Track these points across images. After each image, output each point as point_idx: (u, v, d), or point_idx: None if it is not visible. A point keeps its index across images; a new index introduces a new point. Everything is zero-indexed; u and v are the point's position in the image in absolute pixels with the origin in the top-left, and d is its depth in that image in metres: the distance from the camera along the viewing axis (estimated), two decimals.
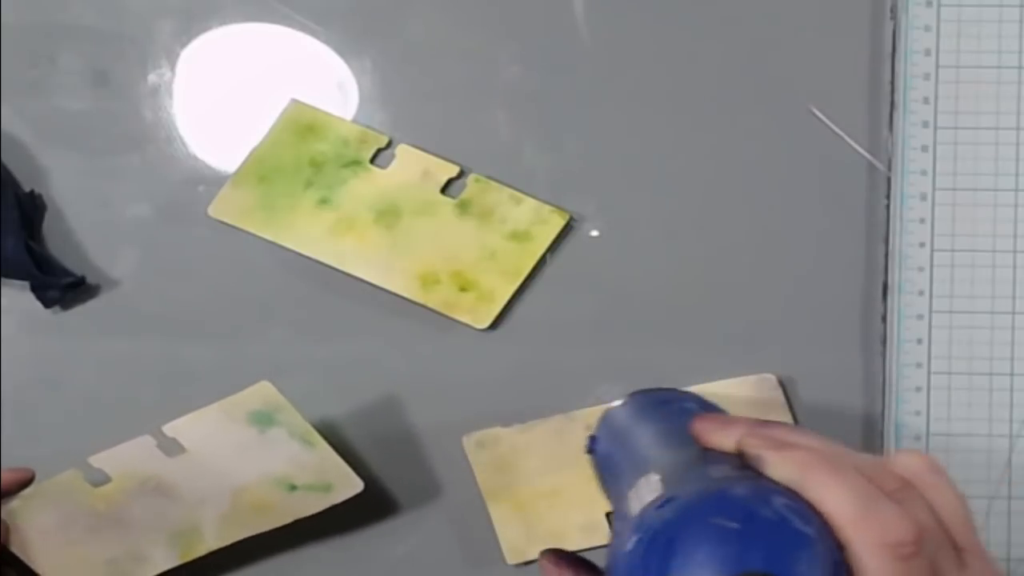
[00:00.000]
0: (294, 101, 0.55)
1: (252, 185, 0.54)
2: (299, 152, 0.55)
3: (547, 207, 0.54)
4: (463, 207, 0.54)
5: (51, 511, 0.52)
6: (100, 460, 0.52)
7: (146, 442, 0.52)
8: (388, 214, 0.54)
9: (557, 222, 0.54)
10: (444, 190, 0.54)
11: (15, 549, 0.52)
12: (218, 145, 0.56)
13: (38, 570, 0.52)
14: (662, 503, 0.35)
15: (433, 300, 0.54)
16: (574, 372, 0.54)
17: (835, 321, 0.54)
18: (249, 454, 0.52)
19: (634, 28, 0.55)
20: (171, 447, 0.52)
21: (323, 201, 0.54)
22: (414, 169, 0.54)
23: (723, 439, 0.39)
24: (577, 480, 0.53)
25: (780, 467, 0.37)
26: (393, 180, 0.54)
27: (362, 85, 0.55)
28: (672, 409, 0.48)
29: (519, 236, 0.54)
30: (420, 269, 0.54)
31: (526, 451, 0.53)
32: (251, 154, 0.55)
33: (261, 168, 0.54)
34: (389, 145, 0.55)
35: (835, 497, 0.36)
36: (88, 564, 0.52)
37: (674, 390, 0.51)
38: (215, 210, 0.54)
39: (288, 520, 0.52)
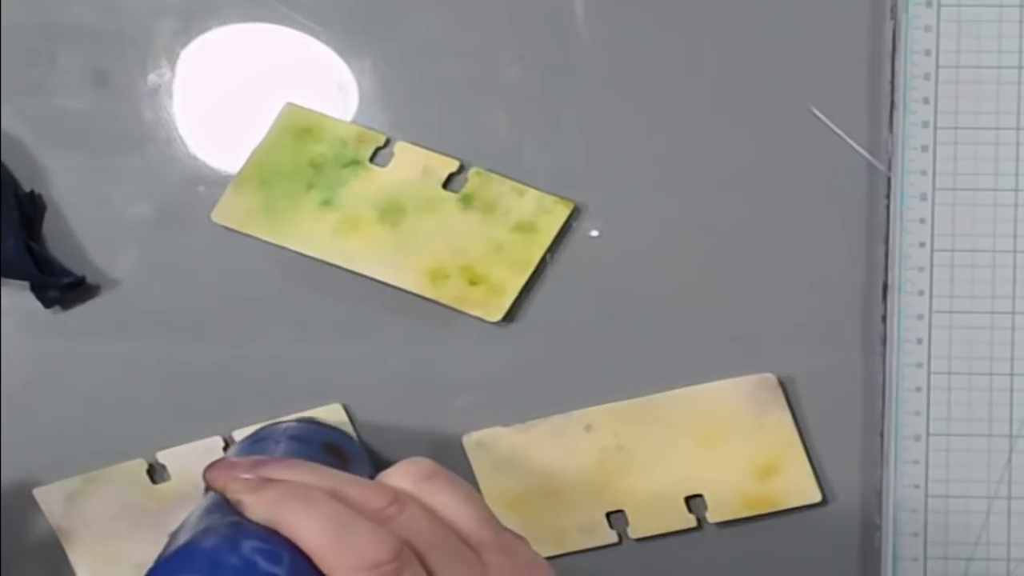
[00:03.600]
0: (289, 104, 0.55)
1: (253, 189, 0.54)
2: (298, 154, 0.55)
3: (550, 197, 0.54)
4: (466, 201, 0.54)
5: (108, 500, 0.53)
6: (166, 456, 0.53)
7: (213, 444, 0.53)
8: (391, 212, 0.54)
9: (562, 212, 0.54)
10: (445, 185, 0.54)
11: (59, 532, 0.53)
12: (218, 145, 0.55)
13: (70, 555, 0.53)
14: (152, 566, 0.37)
15: (444, 295, 0.54)
16: (574, 372, 0.54)
17: (835, 321, 0.54)
18: None
19: (634, 28, 0.55)
20: None
21: (325, 202, 0.54)
22: (414, 166, 0.54)
23: (219, 485, 0.39)
24: (577, 480, 0.53)
25: (255, 509, 0.38)
26: (394, 178, 0.54)
27: (362, 85, 0.55)
28: (260, 447, 0.50)
29: (524, 227, 0.54)
30: (428, 265, 0.54)
31: (526, 451, 0.53)
32: (250, 158, 0.55)
33: (261, 172, 0.54)
34: (387, 144, 0.55)
35: (308, 530, 0.36)
36: (119, 562, 0.53)
37: (277, 423, 0.53)
38: (218, 216, 0.54)
39: None
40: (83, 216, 0.55)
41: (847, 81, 0.54)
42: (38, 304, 0.54)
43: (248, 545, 0.36)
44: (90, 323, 0.55)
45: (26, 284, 0.54)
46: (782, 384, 0.53)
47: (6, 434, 0.55)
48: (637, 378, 0.53)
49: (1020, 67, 0.53)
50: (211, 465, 0.40)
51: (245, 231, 0.54)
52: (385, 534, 0.37)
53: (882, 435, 0.53)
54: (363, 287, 0.54)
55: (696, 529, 0.53)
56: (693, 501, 0.53)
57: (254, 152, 0.55)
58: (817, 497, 0.53)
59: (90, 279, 0.55)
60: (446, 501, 0.39)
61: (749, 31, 0.55)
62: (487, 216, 0.54)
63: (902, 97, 0.53)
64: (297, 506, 0.37)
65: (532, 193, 0.54)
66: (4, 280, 0.54)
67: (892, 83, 0.53)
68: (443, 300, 0.54)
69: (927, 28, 0.53)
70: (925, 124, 0.53)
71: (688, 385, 0.53)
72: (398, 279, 0.54)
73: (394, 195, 0.54)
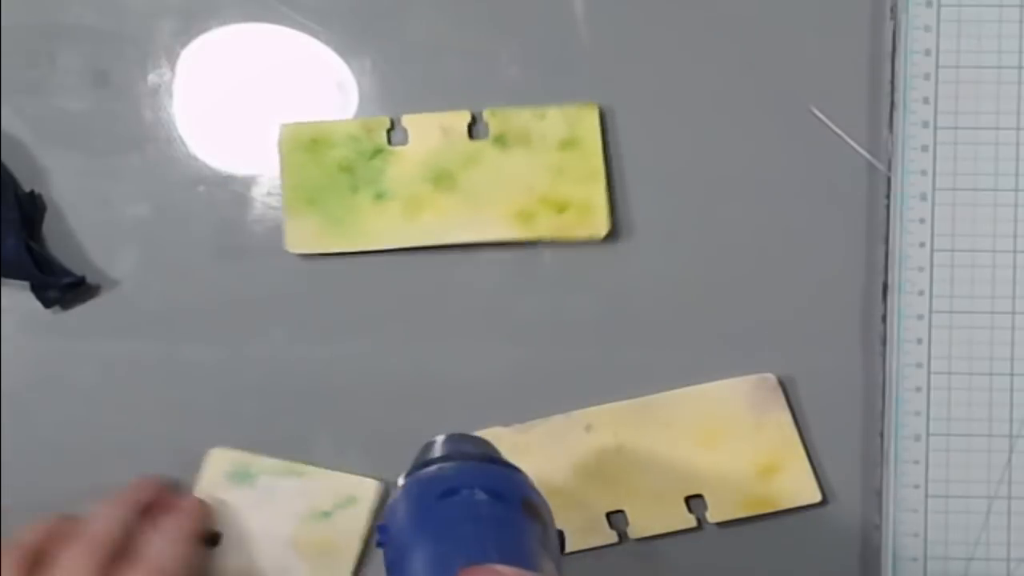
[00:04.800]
0: (283, 125, 0.55)
1: (306, 212, 0.54)
2: (322, 165, 0.54)
3: (571, 108, 0.54)
4: (500, 142, 0.54)
5: None
6: None
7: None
8: (442, 179, 0.54)
9: (591, 116, 0.54)
10: (471, 138, 0.54)
11: None
12: (218, 145, 0.56)
13: None
14: None
15: (541, 231, 0.54)
16: (574, 372, 0.54)
17: (835, 321, 0.54)
18: (264, 507, 0.53)
19: (634, 28, 0.55)
20: (212, 539, 0.53)
21: (378, 196, 0.54)
22: (431, 131, 0.54)
23: None
24: (577, 480, 0.53)
25: None
26: (420, 149, 0.54)
27: (362, 85, 0.55)
28: (455, 503, 0.41)
29: (568, 144, 0.54)
30: (509, 210, 0.54)
31: (526, 451, 0.53)
32: (284, 186, 0.54)
33: (302, 194, 0.54)
34: (393, 124, 0.55)
35: None
36: None
37: (460, 461, 0.44)
38: (292, 245, 0.54)
39: (358, 546, 0.53)
40: (83, 216, 0.55)
41: (847, 81, 0.54)
42: (38, 304, 0.54)
43: None
44: (90, 323, 0.55)
45: (26, 284, 0.54)
46: (782, 384, 0.53)
47: (6, 434, 0.55)
48: (637, 378, 0.53)
49: (1020, 67, 0.53)
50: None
51: (325, 251, 0.54)
52: None
53: (882, 435, 0.53)
54: (362, 287, 0.54)
55: (696, 529, 0.53)
56: (693, 501, 0.53)
57: (282, 179, 0.54)
58: (817, 497, 0.53)
59: (90, 279, 0.55)
60: None
61: (749, 31, 0.55)
62: (528, 148, 0.54)
63: (902, 97, 0.53)
64: None
65: (553, 111, 0.54)
66: (4, 280, 0.54)
67: (892, 83, 0.53)
68: (544, 236, 0.54)
69: (927, 28, 0.53)
70: (925, 124, 0.53)
71: (688, 385, 0.53)
72: (489, 234, 0.54)
73: (432, 164, 0.54)
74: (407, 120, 0.54)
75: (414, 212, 0.54)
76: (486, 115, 0.54)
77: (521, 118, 0.54)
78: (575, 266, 0.54)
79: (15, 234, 0.53)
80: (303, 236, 0.54)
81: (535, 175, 0.54)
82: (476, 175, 0.54)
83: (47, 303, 0.54)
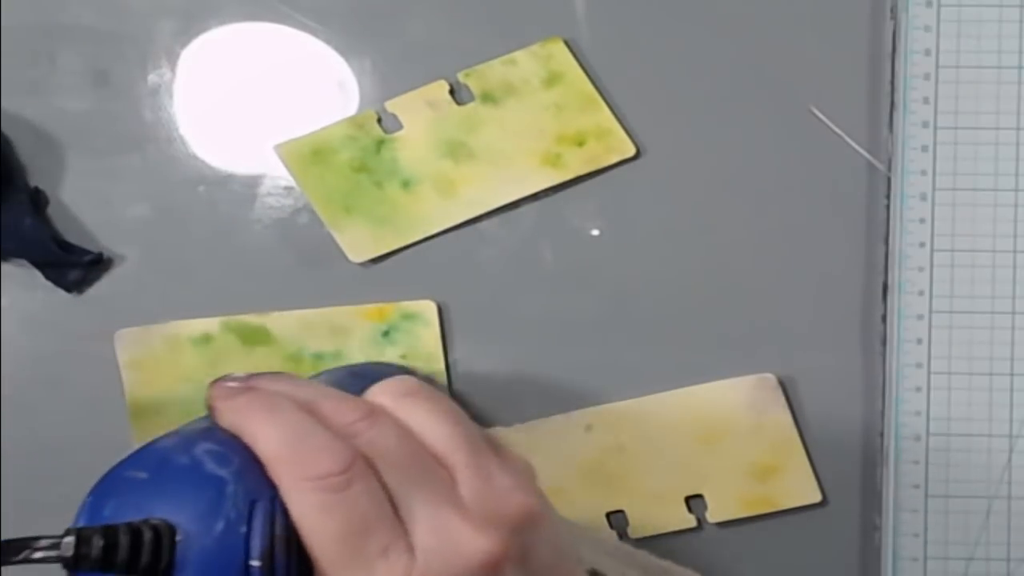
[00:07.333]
0: (277, 146, 0.54)
1: (349, 220, 0.54)
2: (336, 174, 0.54)
3: (535, 47, 0.54)
4: (489, 99, 0.54)
5: None
6: None
7: None
8: (455, 150, 0.54)
9: (558, 47, 0.54)
10: (459, 104, 0.54)
11: None
12: (218, 145, 0.55)
13: None
14: None
15: (574, 168, 0.54)
16: (574, 372, 0.54)
17: (835, 321, 0.54)
18: None
19: (634, 29, 0.55)
20: None
21: (404, 185, 0.54)
22: (419, 109, 0.54)
23: (208, 395, 0.39)
24: (577, 480, 0.53)
25: (224, 415, 0.37)
26: (418, 129, 0.54)
27: (362, 85, 0.55)
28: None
29: (553, 80, 0.54)
30: (534, 160, 0.54)
31: (526, 451, 0.53)
32: (314, 204, 0.54)
33: (337, 206, 0.54)
34: (380, 118, 0.55)
35: (266, 436, 0.36)
36: None
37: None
38: (354, 255, 0.54)
39: None
40: (83, 216, 0.55)
41: (847, 81, 0.54)
42: (38, 304, 0.54)
43: (202, 447, 0.36)
44: (90, 323, 0.55)
45: (26, 283, 0.54)
46: (782, 384, 0.53)
47: (6, 434, 0.55)
48: (637, 378, 0.53)
49: (1020, 67, 0.53)
50: (214, 381, 0.39)
51: (385, 251, 0.54)
52: (340, 446, 0.36)
53: (882, 435, 0.53)
54: (361, 288, 0.54)
55: (696, 529, 0.53)
56: (693, 501, 0.53)
57: (308, 196, 0.54)
58: (817, 497, 0.53)
59: (89, 280, 0.55)
60: (422, 419, 0.38)
61: (749, 31, 0.55)
62: (517, 98, 0.54)
63: (902, 97, 0.53)
64: (261, 414, 0.37)
65: (520, 55, 0.54)
66: (6, 278, 0.54)
67: (892, 83, 0.53)
68: (577, 171, 0.54)
69: (927, 28, 0.53)
70: (925, 124, 0.53)
71: (688, 385, 0.53)
72: (526, 188, 0.54)
73: (437, 139, 0.54)
74: (391, 105, 0.54)
75: (446, 191, 0.54)
76: (461, 77, 0.54)
77: (496, 71, 0.54)
78: (575, 265, 0.54)
79: (31, 215, 0.53)
80: (360, 244, 0.54)
81: (539, 119, 0.54)
82: (485, 137, 0.54)
83: (69, 286, 0.54)
